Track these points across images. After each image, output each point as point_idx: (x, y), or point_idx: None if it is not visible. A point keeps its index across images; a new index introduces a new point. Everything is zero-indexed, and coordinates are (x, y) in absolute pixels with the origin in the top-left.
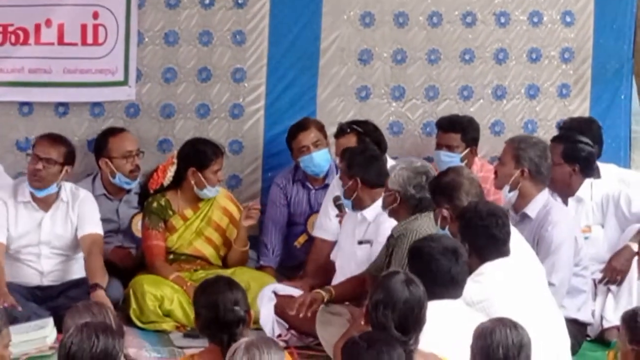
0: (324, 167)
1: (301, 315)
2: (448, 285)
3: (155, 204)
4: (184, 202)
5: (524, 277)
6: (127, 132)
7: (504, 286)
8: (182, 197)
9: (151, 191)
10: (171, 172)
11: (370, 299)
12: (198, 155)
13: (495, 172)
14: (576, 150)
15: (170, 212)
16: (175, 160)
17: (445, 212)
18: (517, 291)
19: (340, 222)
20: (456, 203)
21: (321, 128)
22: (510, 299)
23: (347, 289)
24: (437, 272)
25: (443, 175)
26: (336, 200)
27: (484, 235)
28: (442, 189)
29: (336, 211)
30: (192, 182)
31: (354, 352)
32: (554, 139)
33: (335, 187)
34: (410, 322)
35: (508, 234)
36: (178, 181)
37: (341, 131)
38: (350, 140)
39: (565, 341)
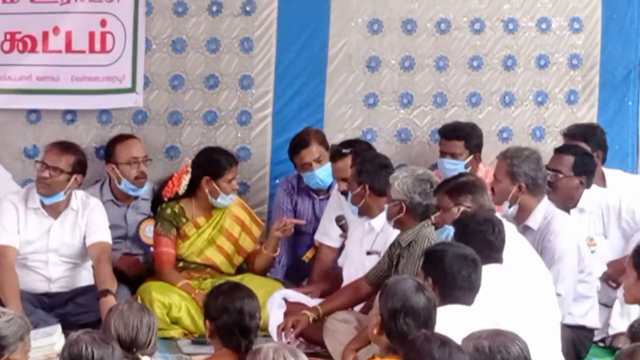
0: (328, 182)
1: (284, 341)
2: (466, 290)
3: (168, 211)
4: (198, 210)
5: (517, 283)
6: (135, 139)
7: (496, 293)
8: (196, 205)
9: (165, 199)
10: (186, 180)
11: (385, 308)
12: (212, 164)
13: (492, 189)
14: (586, 164)
15: (184, 220)
16: (189, 169)
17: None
18: (508, 298)
19: (344, 241)
20: (480, 201)
21: (322, 141)
22: (501, 305)
23: (339, 301)
24: (459, 276)
25: (463, 175)
26: (338, 220)
27: (479, 241)
28: (467, 186)
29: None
30: (206, 190)
31: (425, 348)
32: (561, 150)
33: (336, 197)
34: (429, 327)
35: (503, 241)
36: (192, 189)
37: (338, 154)
38: (347, 163)
39: (557, 348)
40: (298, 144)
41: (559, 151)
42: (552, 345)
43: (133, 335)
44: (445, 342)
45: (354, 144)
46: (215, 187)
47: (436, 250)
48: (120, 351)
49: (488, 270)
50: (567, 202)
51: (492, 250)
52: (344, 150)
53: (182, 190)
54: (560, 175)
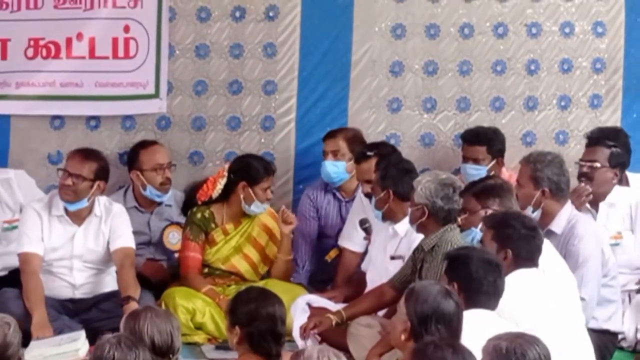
0: (333, 178)
1: (308, 343)
2: (492, 295)
3: (199, 215)
4: (228, 216)
5: (549, 287)
6: (159, 145)
7: (529, 296)
8: (227, 211)
9: (199, 202)
10: (221, 184)
11: (415, 314)
12: (250, 170)
13: (515, 194)
14: (621, 156)
15: (213, 225)
16: (225, 173)
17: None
18: (541, 302)
19: (367, 244)
20: (507, 204)
21: (351, 141)
22: (533, 310)
23: (363, 306)
24: (485, 281)
25: (490, 177)
26: (362, 223)
27: (530, 245)
28: (495, 189)
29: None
30: (241, 196)
31: (439, 356)
32: (595, 143)
33: (363, 198)
34: (458, 333)
35: (542, 245)
36: (226, 194)
37: (362, 156)
38: (371, 165)
39: (589, 352)
40: (329, 133)
41: (592, 144)
42: (584, 351)
43: (169, 341)
44: (456, 348)
45: (378, 147)
46: (251, 193)
47: (460, 255)
48: (147, 357)
49: (530, 275)
50: (599, 196)
51: (538, 254)
52: (369, 153)
53: (216, 194)
54: (597, 165)
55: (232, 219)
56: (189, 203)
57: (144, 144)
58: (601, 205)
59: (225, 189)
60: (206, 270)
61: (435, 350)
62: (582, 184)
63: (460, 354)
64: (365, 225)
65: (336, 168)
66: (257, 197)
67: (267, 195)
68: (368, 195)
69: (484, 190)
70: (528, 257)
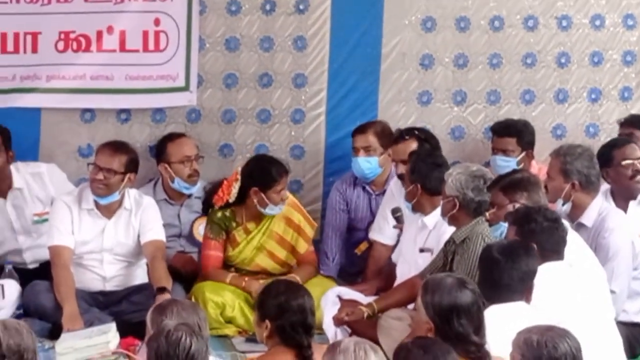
0: (367, 174)
1: (339, 334)
2: (562, 245)
3: (219, 214)
4: (248, 217)
5: (577, 281)
6: (186, 137)
7: (557, 289)
8: (246, 212)
9: (216, 207)
10: (235, 188)
11: (435, 313)
12: (262, 175)
13: (545, 187)
14: None
15: (234, 224)
16: (239, 177)
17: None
18: (569, 295)
19: (399, 233)
20: (535, 198)
21: (381, 134)
22: (561, 303)
23: (394, 298)
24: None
25: (517, 171)
26: (395, 212)
27: (554, 237)
28: (522, 183)
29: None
30: (255, 200)
31: (410, 358)
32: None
33: (394, 190)
34: (482, 323)
35: (566, 236)
36: (242, 198)
37: (400, 137)
38: (409, 146)
39: (618, 345)
40: (357, 128)
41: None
42: (614, 343)
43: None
44: (426, 347)
45: (418, 130)
46: (264, 198)
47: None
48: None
49: (557, 268)
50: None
51: (563, 245)
52: (406, 136)
53: (232, 198)
54: None
55: (252, 219)
56: (209, 202)
57: (171, 137)
58: (631, 204)
59: (240, 192)
60: (232, 270)
61: (407, 356)
62: None
63: (430, 355)
64: (397, 214)
65: (369, 164)
66: (271, 200)
67: (281, 197)
68: (401, 177)
69: (511, 184)
70: (553, 250)
